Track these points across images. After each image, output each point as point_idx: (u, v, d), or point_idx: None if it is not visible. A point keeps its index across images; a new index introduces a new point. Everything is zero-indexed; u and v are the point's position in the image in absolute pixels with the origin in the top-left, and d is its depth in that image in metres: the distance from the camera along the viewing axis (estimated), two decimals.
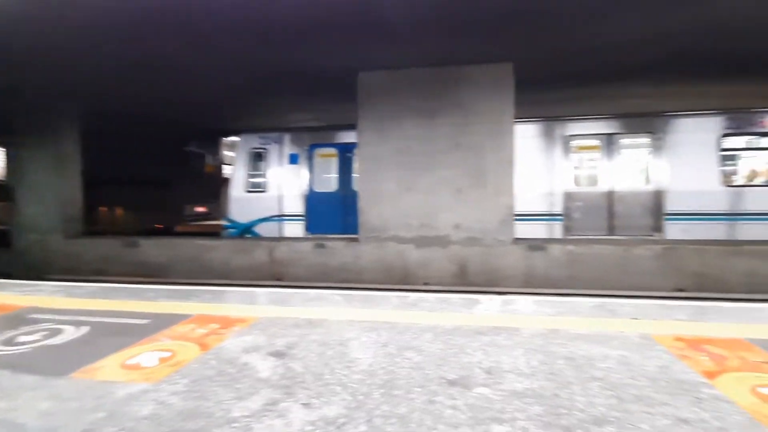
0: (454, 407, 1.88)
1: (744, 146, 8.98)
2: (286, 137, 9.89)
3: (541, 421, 1.76)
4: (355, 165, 9.33)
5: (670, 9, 4.80)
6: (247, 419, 1.80)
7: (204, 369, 2.31)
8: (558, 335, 2.77)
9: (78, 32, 5.33)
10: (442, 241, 6.62)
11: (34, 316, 3.35)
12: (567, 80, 7.60)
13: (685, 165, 8.15)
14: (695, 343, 2.58)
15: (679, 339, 2.65)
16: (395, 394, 2.01)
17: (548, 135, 8.75)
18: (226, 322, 3.12)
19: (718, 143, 8.14)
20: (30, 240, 8.08)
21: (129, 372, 2.28)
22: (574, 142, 8.77)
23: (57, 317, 3.30)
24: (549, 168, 8.65)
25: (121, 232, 10.90)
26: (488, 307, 3.47)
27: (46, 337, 2.83)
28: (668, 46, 5.93)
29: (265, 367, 2.33)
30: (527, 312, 3.33)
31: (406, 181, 6.67)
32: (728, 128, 8.17)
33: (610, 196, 8.51)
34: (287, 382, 2.14)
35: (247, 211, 9.67)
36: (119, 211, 13.05)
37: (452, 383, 2.11)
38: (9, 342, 2.75)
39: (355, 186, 9.15)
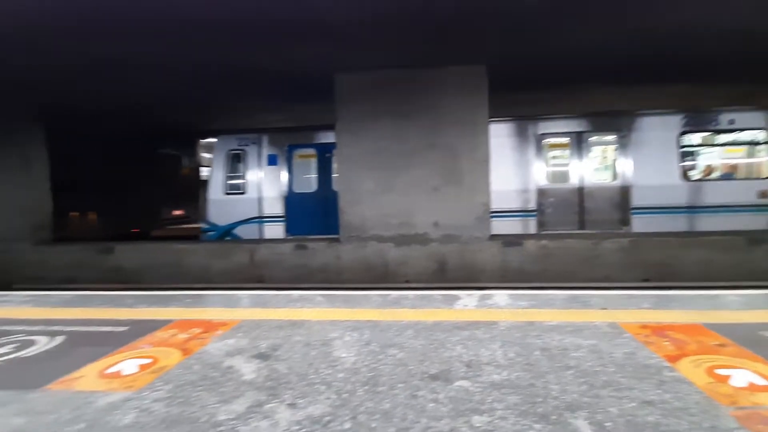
0: (436, 401, 1.92)
1: (700, 143, 9.47)
2: (265, 138, 9.76)
3: (519, 410, 1.82)
4: (335, 165, 9.29)
5: (633, 17, 5.03)
6: (233, 422, 1.79)
7: (187, 374, 2.28)
8: (534, 327, 2.87)
9: (41, 28, 5.10)
10: (421, 239, 6.70)
11: (3, 328, 3.21)
12: (539, 82, 7.82)
13: (648, 161, 8.51)
14: (658, 330, 2.72)
15: (644, 327, 2.79)
16: (379, 390, 2.04)
17: (521, 134, 8.96)
18: (208, 326, 3.07)
19: (678, 141, 8.54)
20: None
21: (109, 381, 2.22)
22: (546, 140, 9.02)
23: (28, 328, 3.17)
24: (522, 165, 8.87)
25: (95, 237, 10.48)
26: (467, 303, 3.55)
27: (17, 350, 2.72)
28: (632, 50, 6.19)
29: (249, 369, 2.32)
30: (504, 306, 3.42)
31: (384, 181, 6.71)
32: (686, 126, 8.58)
33: (580, 191, 8.80)
34: (272, 384, 2.13)
35: (226, 213, 9.48)
36: (92, 216, 12.53)
37: (434, 377, 2.16)
38: None
39: (335, 186, 9.12)
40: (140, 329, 3.07)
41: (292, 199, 9.40)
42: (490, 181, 6.67)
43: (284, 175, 9.49)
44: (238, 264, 7.01)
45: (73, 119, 9.48)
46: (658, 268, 6.35)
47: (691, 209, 8.40)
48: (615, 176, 8.85)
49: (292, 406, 1.91)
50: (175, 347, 2.68)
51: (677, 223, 8.29)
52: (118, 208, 12.70)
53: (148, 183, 13.20)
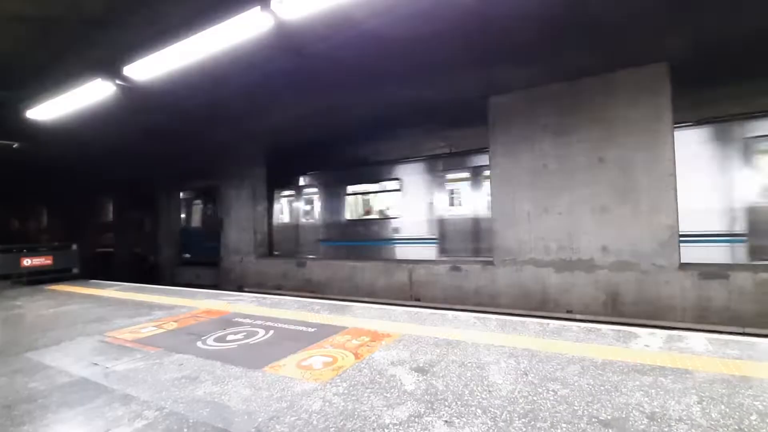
0: None
1: None
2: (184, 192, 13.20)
3: None
4: (218, 206, 10.92)
5: None
6: (396, 427, 1.92)
7: (359, 376, 2.56)
8: (748, 384, 2.19)
9: (266, 96, 6.69)
10: (585, 266, 5.89)
11: (237, 320, 4.22)
12: (743, 71, 6.08)
13: None
14: None
15: None
16: (539, 426, 1.88)
17: (719, 139, 7.05)
18: (375, 336, 3.39)
19: None
20: (233, 260, 10.20)
21: (303, 371, 2.68)
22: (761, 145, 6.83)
23: (252, 322, 4.09)
24: (721, 178, 6.89)
25: (294, 253, 12.88)
26: (648, 342, 2.96)
27: (246, 337, 3.54)
28: None
29: (409, 380, 2.45)
30: (702, 352, 2.72)
31: (542, 202, 6.22)
32: None
33: None
34: (430, 398, 2.21)
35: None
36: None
37: (605, 424, 1.87)
38: (221, 339, 3.52)
39: (200, 222, 12.46)
40: (324, 332, 3.60)
41: (184, 232, 12.98)
42: (676, 199, 5.44)
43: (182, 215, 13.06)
44: (399, 282, 7.48)
45: (278, 160, 12.03)
46: None
47: None
48: None
49: (448, 423, 1.94)
50: (350, 351, 3.04)
51: None
52: None
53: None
